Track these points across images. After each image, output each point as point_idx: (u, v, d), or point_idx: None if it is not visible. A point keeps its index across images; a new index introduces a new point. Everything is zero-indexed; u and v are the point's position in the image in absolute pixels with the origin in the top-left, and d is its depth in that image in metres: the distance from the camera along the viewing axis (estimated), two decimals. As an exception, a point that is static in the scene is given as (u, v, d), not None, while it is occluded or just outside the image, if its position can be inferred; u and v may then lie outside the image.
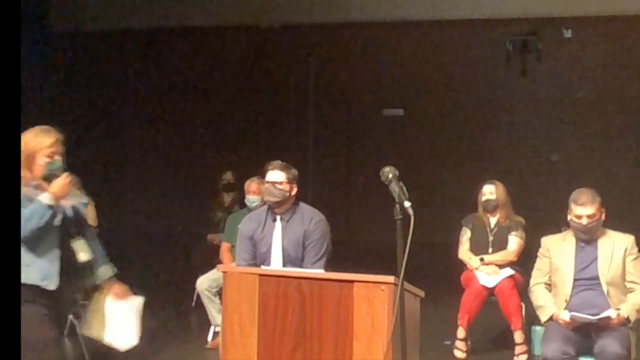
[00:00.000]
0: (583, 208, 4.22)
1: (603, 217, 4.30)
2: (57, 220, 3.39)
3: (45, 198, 3.34)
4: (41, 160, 3.41)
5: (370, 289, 2.48)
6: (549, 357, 4.04)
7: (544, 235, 4.55)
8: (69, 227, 3.49)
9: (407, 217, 2.71)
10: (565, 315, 4.14)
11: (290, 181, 4.46)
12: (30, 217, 3.27)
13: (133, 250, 9.28)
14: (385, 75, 9.94)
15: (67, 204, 3.49)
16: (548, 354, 4.02)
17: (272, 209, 4.47)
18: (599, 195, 4.32)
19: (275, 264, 4.21)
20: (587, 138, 9.41)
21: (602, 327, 4.09)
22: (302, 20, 9.96)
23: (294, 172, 4.53)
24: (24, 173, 3.38)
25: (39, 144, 3.42)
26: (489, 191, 5.86)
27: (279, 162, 4.58)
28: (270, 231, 4.44)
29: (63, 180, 3.41)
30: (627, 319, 4.12)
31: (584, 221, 4.22)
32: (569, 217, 4.32)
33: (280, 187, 4.42)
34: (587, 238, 4.27)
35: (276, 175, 4.46)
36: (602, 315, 4.03)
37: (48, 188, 3.38)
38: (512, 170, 9.10)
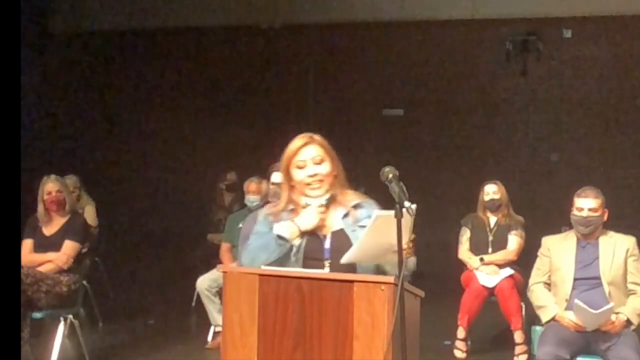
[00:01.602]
0: (585, 200, 4.23)
1: (605, 217, 4.31)
2: (295, 250, 2.84)
3: (279, 229, 2.81)
4: (294, 172, 2.90)
5: (370, 289, 2.48)
6: None
7: (544, 235, 4.56)
8: (315, 254, 2.85)
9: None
10: (569, 315, 4.14)
11: None
12: (259, 251, 2.84)
13: (133, 250, 9.29)
14: (385, 75, 9.94)
15: (325, 231, 2.88)
16: (541, 357, 4.02)
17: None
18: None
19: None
20: (587, 138, 9.40)
21: (606, 331, 4.09)
22: (302, 20, 9.96)
23: None
24: (285, 192, 2.95)
25: (290, 150, 2.91)
26: (492, 191, 5.88)
27: None
28: None
29: (311, 213, 2.84)
30: (628, 321, 4.12)
31: (585, 213, 4.22)
32: (571, 215, 4.33)
33: None
34: (587, 233, 4.27)
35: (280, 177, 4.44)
36: (603, 309, 4.02)
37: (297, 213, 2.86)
38: (512, 170, 9.11)
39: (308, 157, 2.88)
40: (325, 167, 2.89)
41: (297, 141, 2.91)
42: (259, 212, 3.05)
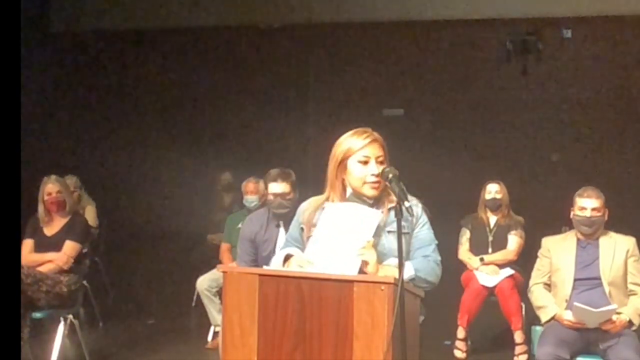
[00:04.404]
0: (588, 200, 4.23)
1: (606, 217, 4.31)
2: None
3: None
4: (354, 166, 2.78)
5: (370, 289, 2.48)
6: None
7: (543, 235, 4.57)
8: None
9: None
10: (568, 315, 4.14)
11: (293, 189, 4.44)
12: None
13: (133, 250, 9.29)
14: (385, 75, 9.93)
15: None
16: (541, 357, 4.02)
17: (278, 214, 4.43)
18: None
19: None
20: (587, 138, 9.40)
21: (606, 330, 4.09)
22: (302, 20, 9.95)
23: (293, 176, 4.52)
24: (333, 192, 2.84)
25: (353, 144, 2.79)
26: (495, 190, 5.89)
27: (277, 171, 4.51)
28: (273, 236, 4.40)
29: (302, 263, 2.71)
30: (630, 322, 4.12)
31: (588, 213, 4.22)
32: (571, 214, 4.33)
33: (289, 197, 4.39)
34: (589, 233, 4.27)
35: (281, 186, 4.41)
36: (604, 309, 4.02)
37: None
38: (512, 170, 9.10)
39: (372, 154, 2.78)
40: (384, 168, 2.80)
41: (362, 136, 2.80)
42: (300, 207, 2.98)
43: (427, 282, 2.80)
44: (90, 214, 6.81)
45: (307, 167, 9.71)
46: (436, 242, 2.91)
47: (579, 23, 9.25)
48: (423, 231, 2.88)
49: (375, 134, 2.85)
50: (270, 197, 4.44)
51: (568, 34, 9.37)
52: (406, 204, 2.59)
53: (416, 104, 9.94)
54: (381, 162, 2.80)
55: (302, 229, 2.90)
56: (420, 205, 2.90)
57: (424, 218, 2.88)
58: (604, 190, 4.35)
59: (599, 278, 4.22)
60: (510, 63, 9.51)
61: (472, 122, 9.74)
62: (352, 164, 2.80)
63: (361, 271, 2.67)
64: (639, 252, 4.32)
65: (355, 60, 10.01)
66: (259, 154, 9.51)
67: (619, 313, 4.09)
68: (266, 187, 4.51)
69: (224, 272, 2.69)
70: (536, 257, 4.53)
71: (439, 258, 2.88)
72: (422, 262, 2.81)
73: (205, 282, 5.72)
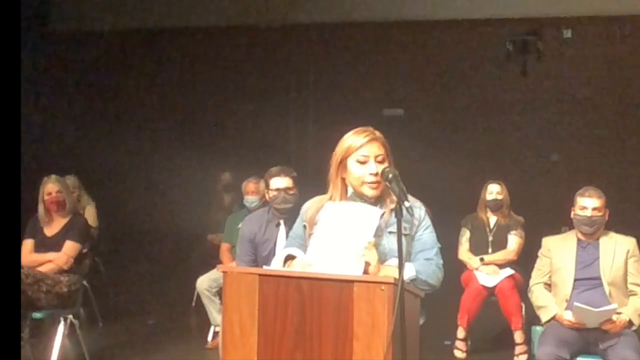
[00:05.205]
0: (589, 199, 4.23)
1: (607, 217, 4.31)
2: None
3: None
4: (353, 166, 2.78)
5: (370, 289, 2.47)
6: None
7: (543, 235, 4.56)
8: None
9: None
10: (568, 315, 4.14)
11: (295, 184, 4.44)
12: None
13: (133, 250, 9.29)
14: (385, 75, 9.94)
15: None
16: (542, 357, 4.02)
17: (279, 213, 4.41)
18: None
19: None
20: (587, 138, 9.40)
21: (606, 330, 4.09)
22: (302, 20, 9.96)
23: (294, 172, 4.51)
24: (335, 191, 2.85)
25: (352, 143, 2.79)
26: (496, 191, 5.90)
27: (279, 167, 4.52)
28: (273, 235, 4.38)
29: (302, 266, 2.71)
30: (630, 322, 4.12)
31: (589, 213, 4.22)
32: (572, 214, 4.33)
33: (292, 192, 4.38)
34: (590, 232, 4.27)
35: (284, 181, 4.40)
36: (604, 308, 4.03)
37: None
38: (512, 170, 9.10)
39: (371, 154, 2.77)
40: (384, 168, 2.78)
41: (361, 135, 2.79)
42: (303, 206, 2.97)
43: (428, 284, 2.79)
44: (90, 214, 6.80)
45: (307, 167, 9.72)
46: (439, 245, 2.90)
47: (579, 23, 9.26)
48: (426, 234, 2.86)
49: (376, 133, 2.83)
50: (274, 193, 4.41)
51: (568, 34, 9.37)
52: (406, 204, 2.57)
53: (416, 104, 9.94)
54: (381, 161, 2.78)
55: (304, 226, 2.90)
56: (423, 208, 2.89)
57: (427, 221, 2.87)
58: (604, 190, 4.35)
59: (599, 278, 4.22)
60: (510, 63, 9.52)
61: (472, 122, 9.75)
62: (351, 164, 2.79)
63: (363, 271, 2.67)
64: (639, 253, 4.31)
65: (355, 60, 10.01)
66: (259, 154, 9.50)
67: (619, 313, 4.09)
68: (267, 185, 4.48)
69: (224, 272, 2.68)
70: (536, 257, 4.53)
71: (441, 262, 2.86)
72: (424, 265, 2.80)
73: (205, 282, 5.71)
